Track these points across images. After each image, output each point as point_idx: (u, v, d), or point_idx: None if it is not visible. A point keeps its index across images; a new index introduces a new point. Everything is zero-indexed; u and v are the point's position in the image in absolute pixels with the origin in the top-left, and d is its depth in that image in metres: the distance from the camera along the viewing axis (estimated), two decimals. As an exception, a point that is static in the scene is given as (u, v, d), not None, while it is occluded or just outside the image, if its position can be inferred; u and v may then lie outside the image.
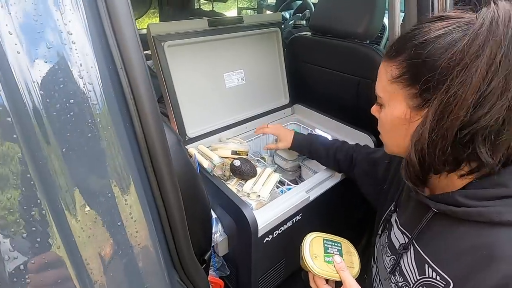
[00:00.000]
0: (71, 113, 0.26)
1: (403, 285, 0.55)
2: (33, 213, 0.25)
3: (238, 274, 1.00)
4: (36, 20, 0.25)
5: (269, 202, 0.90)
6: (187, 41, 1.05)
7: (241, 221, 0.83)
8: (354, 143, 0.96)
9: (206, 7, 2.43)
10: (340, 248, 0.67)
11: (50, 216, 0.25)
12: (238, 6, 2.80)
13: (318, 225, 1.08)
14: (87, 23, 0.28)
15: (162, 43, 1.00)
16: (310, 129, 1.35)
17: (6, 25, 0.24)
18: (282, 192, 1.00)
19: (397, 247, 0.57)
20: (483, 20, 0.38)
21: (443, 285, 0.47)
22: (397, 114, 0.48)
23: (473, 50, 0.37)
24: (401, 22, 0.96)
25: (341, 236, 0.71)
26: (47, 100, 0.26)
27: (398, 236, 0.58)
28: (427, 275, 0.50)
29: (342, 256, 0.65)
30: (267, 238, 0.87)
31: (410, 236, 0.54)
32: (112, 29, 0.29)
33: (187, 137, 1.10)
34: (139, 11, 2.19)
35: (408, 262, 0.54)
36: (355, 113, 1.20)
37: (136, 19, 2.25)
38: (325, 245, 0.66)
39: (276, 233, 0.89)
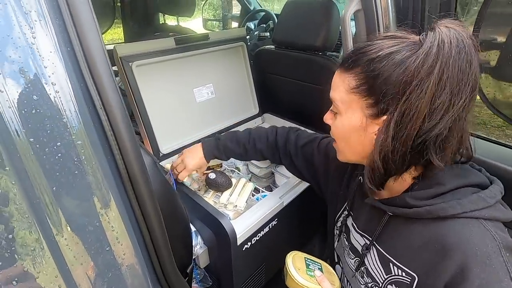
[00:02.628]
0: (59, 155, 0.29)
1: (372, 285, 0.59)
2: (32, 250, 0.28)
3: (221, 283, 1.03)
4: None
5: (245, 210, 0.94)
6: (155, 60, 1.07)
7: (219, 232, 0.86)
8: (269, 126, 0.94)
9: (171, 20, 2.43)
10: (320, 267, 0.69)
11: (46, 246, 0.28)
12: (204, 18, 2.84)
13: (294, 228, 1.14)
14: (68, 78, 0.31)
15: (130, 63, 1.01)
16: (280, 136, 1.42)
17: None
18: (257, 199, 1.05)
19: (359, 250, 0.62)
20: (432, 42, 0.43)
21: (409, 280, 0.52)
22: (354, 123, 0.52)
23: (426, 68, 0.43)
24: (352, 36, 1.06)
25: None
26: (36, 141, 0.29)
27: (358, 239, 0.63)
28: (393, 273, 0.54)
29: (322, 273, 0.68)
30: (246, 246, 0.92)
31: (370, 239, 0.59)
32: (90, 74, 0.33)
33: (161, 154, 1.12)
34: (103, 26, 2.15)
35: (373, 263, 0.59)
36: (320, 119, 1.28)
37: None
38: (307, 262, 0.69)
39: (254, 240, 0.94)
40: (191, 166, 0.92)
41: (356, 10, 0.96)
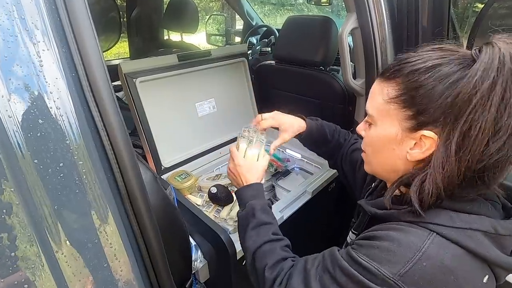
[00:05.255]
0: (61, 175, 0.30)
1: None
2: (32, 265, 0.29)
3: (221, 298, 1.02)
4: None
5: (245, 224, 0.94)
6: (158, 76, 1.10)
7: (219, 246, 0.86)
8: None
9: (175, 35, 2.50)
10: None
11: (45, 262, 0.29)
12: (207, 32, 2.91)
13: (295, 242, 1.14)
14: (71, 101, 0.33)
15: (134, 80, 1.04)
16: (281, 149, 1.43)
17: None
18: (257, 213, 1.05)
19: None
20: (492, 56, 0.39)
21: None
22: (389, 134, 0.49)
23: (487, 84, 0.39)
24: (350, 51, 1.09)
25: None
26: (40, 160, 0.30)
27: (351, 237, 0.65)
28: None
29: None
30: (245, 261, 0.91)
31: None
32: (93, 98, 0.35)
33: (163, 167, 1.14)
34: (109, 41, 2.22)
35: None
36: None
37: (107, 50, 2.27)
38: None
39: (254, 254, 0.94)
40: (284, 119, 0.86)
41: (353, 28, 0.99)
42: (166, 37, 2.32)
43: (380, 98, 0.49)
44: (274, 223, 0.69)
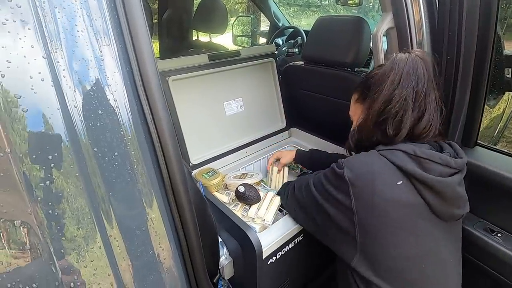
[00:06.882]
0: (116, 164, 0.32)
1: None
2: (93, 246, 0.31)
3: (244, 296, 1.02)
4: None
5: (272, 224, 0.95)
6: (189, 75, 1.13)
7: (245, 244, 0.87)
8: None
9: (204, 36, 2.55)
10: None
11: (102, 245, 0.31)
12: (234, 34, 2.95)
13: (319, 244, 1.12)
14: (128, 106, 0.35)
15: (167, 78, 1.08)
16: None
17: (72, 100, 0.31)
18: (284, 214, 1.04)
19: None
20: (394, 59, 0.69)
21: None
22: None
23: (384, 74, 0.69)
24: (384, 53, 1.06)
25: None
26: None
27: None
28: None
29: None
30: (271, 260, 0.92)
31: None
32: (144, 91, 0.37)
33: (191, 164, 1.16)
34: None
35: None
36: (347, 135, 1.27)
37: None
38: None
39: (279, 254, 0.93)
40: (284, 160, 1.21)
41: (388, 28, 0.96)
42: (195, 38, 2.38)
43: (352, 103, 0.86)
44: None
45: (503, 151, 0.88)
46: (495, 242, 0.86)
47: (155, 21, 2.44)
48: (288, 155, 1.21)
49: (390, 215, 0.64)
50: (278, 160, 1.23)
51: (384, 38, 1.05)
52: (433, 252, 0.68)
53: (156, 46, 2.68)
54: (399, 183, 0.65)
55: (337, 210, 0.69)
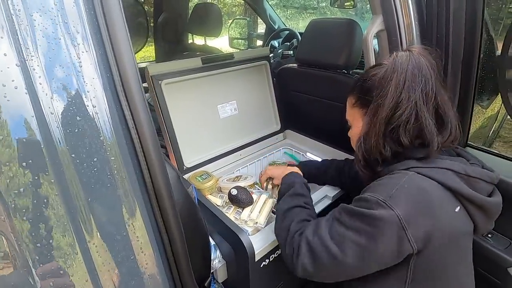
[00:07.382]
0: (95, 169, 0.32)
1: None
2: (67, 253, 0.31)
3: (238, 299, 1.02)
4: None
5: (264, 227, 0.95)
6: (183, 78, 1.13)
7: (238, 247, 0.87)
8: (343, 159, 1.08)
9: (199, 39, 2.56)
10: None
11: (80, 253, 0.31)
12: (230, 36, 2.96)
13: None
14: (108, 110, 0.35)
15: (160, 82, 1.08)
16: (301, 153, 1.42)
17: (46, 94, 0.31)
18: (277, 216, 1.04)
19: None
20: (394, 59, 0.61)
21: None
22: (359, 130, 0.68)
23: (386, 77, 0.60)
24: (375, 54, 1.07)
25: None
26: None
27: None
28: None
29: None
30: (264, 262, 0.91)
31: None
32: (125, 97, 0.37)
33: (184, 167, 1.16)
34: (137, 45, 2.31)
35: None
36: (342, 137, 1.27)
37: (134, 53, 2.38)
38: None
39: (272, 257, 0.93)
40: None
41: (379, 30, 0.97)
42: (190, 41, 2.39)
43: (349, 107, 0.75)
44: (308, 196, 0.85)
45: (493, 152, 0.88)
46: (485, 242, 0.86)
47: (151, 24, 2.45)
48: (281, 174, 1.09)
49: (450, 251, 0.56)
50: (271, 178, 1.11)
51: (375, 41, 1.06)
52: (468, 262, 0.64)
53: (151, 50, 2.69)
54: (457, 210, 0.55)
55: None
